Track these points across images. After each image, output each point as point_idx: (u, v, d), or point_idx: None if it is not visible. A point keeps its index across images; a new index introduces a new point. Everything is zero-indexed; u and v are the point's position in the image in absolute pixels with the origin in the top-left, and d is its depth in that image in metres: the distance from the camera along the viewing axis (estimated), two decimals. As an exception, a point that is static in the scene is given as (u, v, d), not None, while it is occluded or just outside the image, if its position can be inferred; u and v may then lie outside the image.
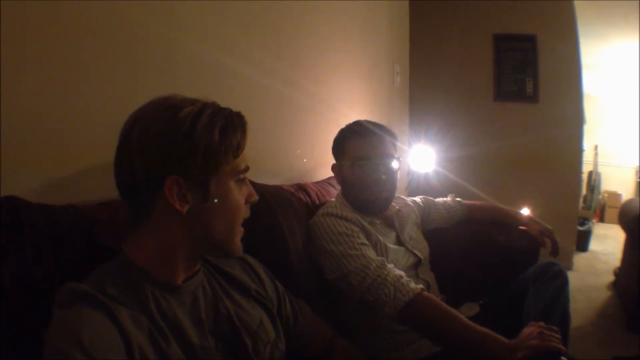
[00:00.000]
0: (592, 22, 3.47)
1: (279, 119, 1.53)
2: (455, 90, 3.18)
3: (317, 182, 1.55)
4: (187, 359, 0.62)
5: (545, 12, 3.03)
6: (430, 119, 3.00)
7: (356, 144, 1.26)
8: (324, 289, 1.16)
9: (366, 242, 1.16)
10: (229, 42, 1.24)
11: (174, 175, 0.61)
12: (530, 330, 0.90)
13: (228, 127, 0.66)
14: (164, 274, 0.65)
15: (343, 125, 1.33)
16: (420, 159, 2.43)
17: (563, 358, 0.85)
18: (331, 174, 1.42)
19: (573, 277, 2.40)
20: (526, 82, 3.10)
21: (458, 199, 1.64)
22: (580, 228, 3.68)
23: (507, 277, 1.39)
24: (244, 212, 0.71)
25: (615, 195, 5.31)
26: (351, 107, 2.07)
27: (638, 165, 5.30)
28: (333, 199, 1.32)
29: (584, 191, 4.70)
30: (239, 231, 0.70)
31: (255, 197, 0.73)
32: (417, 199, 1.57)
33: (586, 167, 4.40)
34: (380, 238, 1.23)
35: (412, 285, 1.03)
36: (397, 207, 1.37)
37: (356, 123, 1.32)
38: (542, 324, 0.90)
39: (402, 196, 1.53)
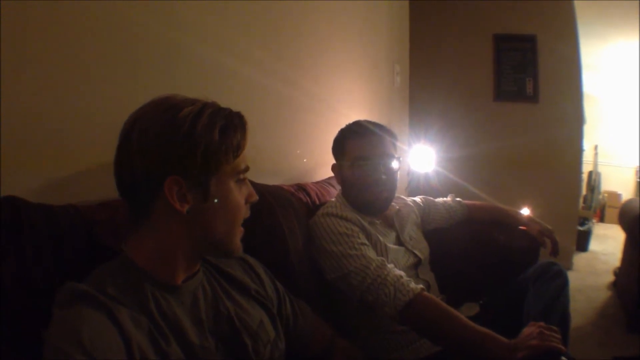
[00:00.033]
0: (592, 22, 3.46)
1: (279, 119, 1.54)
2: (455, 90, 3.18)
3: (317, 182, 1.55)
4: (187, 359, 0.62)
5: (545, 12, 3.02)
6: (430, 119, 3.00)
7: (356, 144, 1.26)
8: (324, 289, 1.16)
9: (366, 242, 1.16)
10: (229, 42, 1.24)
11: (174, 175, 0.61)
12: (530, 330, 0.90)
13: (228, 127, 0.66)
14: (164, 274, 0.65)
15: (343, 125, 1.33)
16: (420, 159, 2.43)
17: (563, 358, 0.85)
18: (331, 174, 1.42)
19: (573, 277, 2.40)
20: (526, 82, 3.10)
21: (458, 199, 1.64)
22: (580, 228, 3.67)
23: (507, 277, 1.39)
24: (244, 212, 0.71)
25: (615, 195, 5.30)
26: (351, 107, 2.07)
27: (638, 165, 5.28)
28: (333, 199, 1.32)
29: (584, 191, 4.69)
30: (239, 231, 0.70)
31: (255, 197, 0.73)
32: (417, 199, 1.57)
33: (586, 167, 4.40)
34: (380, 238, 1.23)
35: (412, 285, 1.03)
36: (397, 207, 1.37)
37: (356, 123, 1.32)
38: (542, 324, 0.90)
39: (402, 196, 1.53)
